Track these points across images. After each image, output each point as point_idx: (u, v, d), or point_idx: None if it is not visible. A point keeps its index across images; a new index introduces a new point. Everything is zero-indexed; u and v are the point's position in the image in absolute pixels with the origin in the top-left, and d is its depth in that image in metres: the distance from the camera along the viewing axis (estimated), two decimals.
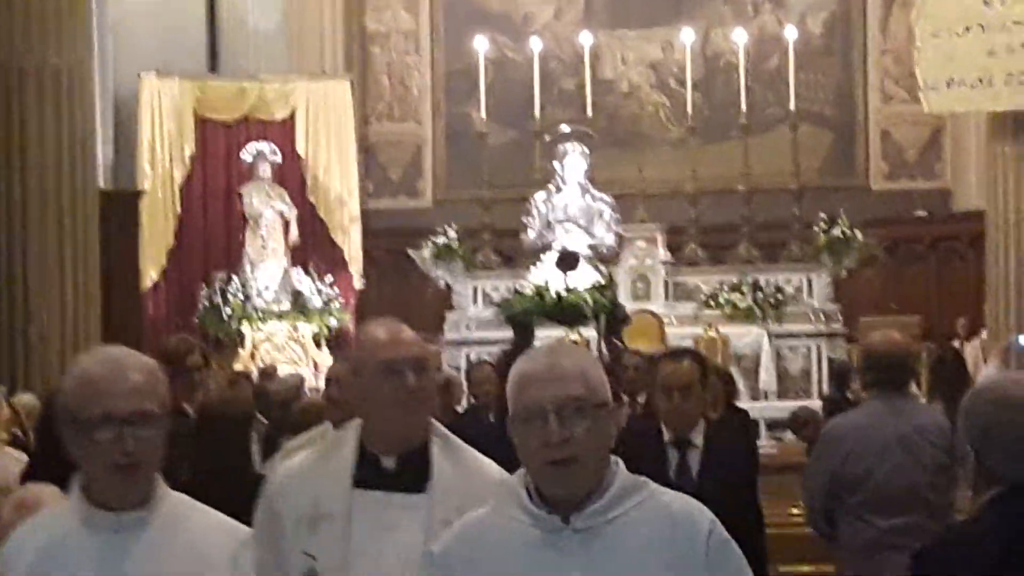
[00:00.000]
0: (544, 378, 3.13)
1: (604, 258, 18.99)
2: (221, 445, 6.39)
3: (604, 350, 15.59)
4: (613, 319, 16.92)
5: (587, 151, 19.74)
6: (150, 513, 3.36)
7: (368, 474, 3.82)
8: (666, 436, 6.08)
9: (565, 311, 17.15)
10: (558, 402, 3.09)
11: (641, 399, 9.42)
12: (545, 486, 3.13)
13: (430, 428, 3.89)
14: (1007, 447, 3.53)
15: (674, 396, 6.00)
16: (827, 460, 6.49)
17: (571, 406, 3.09)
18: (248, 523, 3.71)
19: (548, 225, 19.42)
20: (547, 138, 19.98)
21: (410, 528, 3.74)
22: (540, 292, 17.55)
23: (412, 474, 3.81)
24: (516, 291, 18.07)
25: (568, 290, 17.31)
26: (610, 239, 19.40)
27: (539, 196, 19.66)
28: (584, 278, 17.75)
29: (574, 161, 19.68)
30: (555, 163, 19.77)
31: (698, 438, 6.07)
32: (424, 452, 3.84)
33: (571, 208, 19.48)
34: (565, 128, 19.99)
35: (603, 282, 18.01)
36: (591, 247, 18.93)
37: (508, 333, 17.18)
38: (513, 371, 3.22)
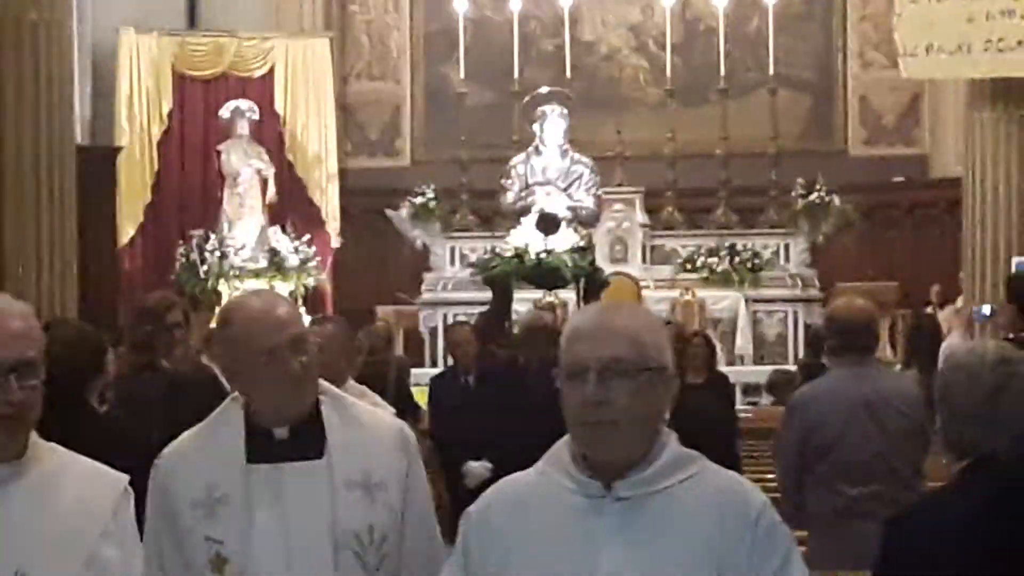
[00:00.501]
0: (591, 335, 3.01)
1: (583, 221, 18.97)
2: (193, 405, 6.37)
3: None
4: (592, 282, 16.92)
5: (566, 113, 19.70)
6: (27, 464, 3.21)
7: (261, 447, 3.60)
8: None
9: (544, 274, 17.14)
10: (601, 361, 2.96)
11: None
12: (581, 447, 3.02)
13: (318, 390, 3.71)
14: (964, 416, 3.55)
15: None
16: (794, 428, 6.44)
17: (615, 367, 2.96)
18: None
19: (527, 187, 19.38)
20: (525, 99, 19.93)
21: (313, 496, 3.57)
22: (519, 254, 17.52)
23: (307, 440, 3.62)
24: (495, 253, 18.03)
25: (547, 252, 17.30)
26: (589, 202, 19.37)
27: (518, 158, 19.62)
28: (563, 241, 17.74)
29: (553, 123, 19.63)
30: (534, 125, 19.72)
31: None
32: (316, 415, 3.66)
33: (550, 170, 19.44)
34: (543, 90, 19.94)
35: (582, 245, 18.00)
36: (570, 209, 18.90)
37: (486, 294, 17.12)
38: (567, 325, 3.13)
